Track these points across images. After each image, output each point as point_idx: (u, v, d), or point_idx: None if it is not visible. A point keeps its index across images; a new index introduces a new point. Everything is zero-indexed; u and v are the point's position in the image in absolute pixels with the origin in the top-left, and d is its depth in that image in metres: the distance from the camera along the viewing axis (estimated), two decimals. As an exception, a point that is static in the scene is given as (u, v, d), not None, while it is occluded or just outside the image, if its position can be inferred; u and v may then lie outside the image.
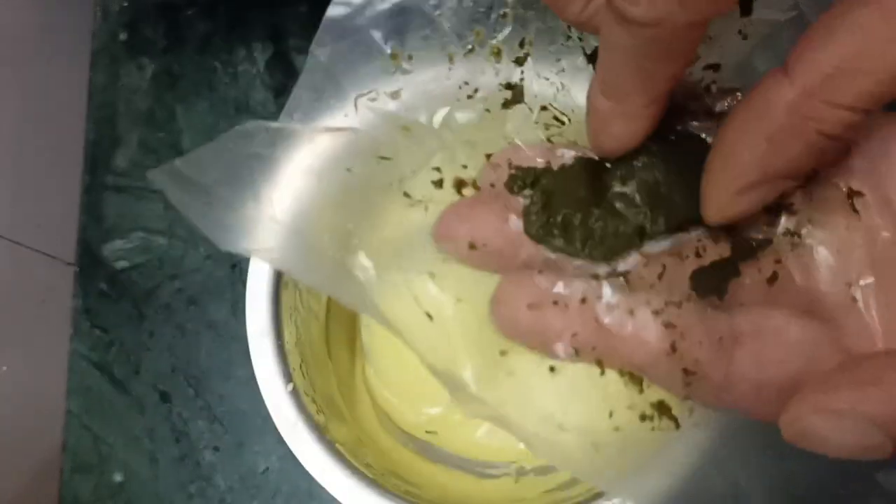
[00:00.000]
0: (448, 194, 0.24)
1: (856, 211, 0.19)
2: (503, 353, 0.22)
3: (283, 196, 0.26)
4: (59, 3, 0.52)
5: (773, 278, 0.20)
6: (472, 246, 0.21)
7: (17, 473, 0.50)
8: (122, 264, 0.47)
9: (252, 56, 0.48)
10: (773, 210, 0.20)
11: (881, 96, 0.16)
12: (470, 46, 0.24)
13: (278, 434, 0.34)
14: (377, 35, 0.25)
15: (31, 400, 0.51)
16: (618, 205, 0.21)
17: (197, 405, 0.45)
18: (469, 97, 0.24)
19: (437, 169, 0.24)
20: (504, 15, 0.23)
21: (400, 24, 0.24)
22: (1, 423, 0.49)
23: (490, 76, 0.24)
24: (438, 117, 0.25)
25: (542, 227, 0.21)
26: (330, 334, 0.41)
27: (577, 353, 0.20)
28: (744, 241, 0.20)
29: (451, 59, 0.24)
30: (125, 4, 0.50)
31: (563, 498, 0.35)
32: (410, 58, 0.24)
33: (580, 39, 0.22)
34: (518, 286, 0.20)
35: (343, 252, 0.26)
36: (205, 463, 0.45)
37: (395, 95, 0.25)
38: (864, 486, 0.20)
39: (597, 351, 0.20)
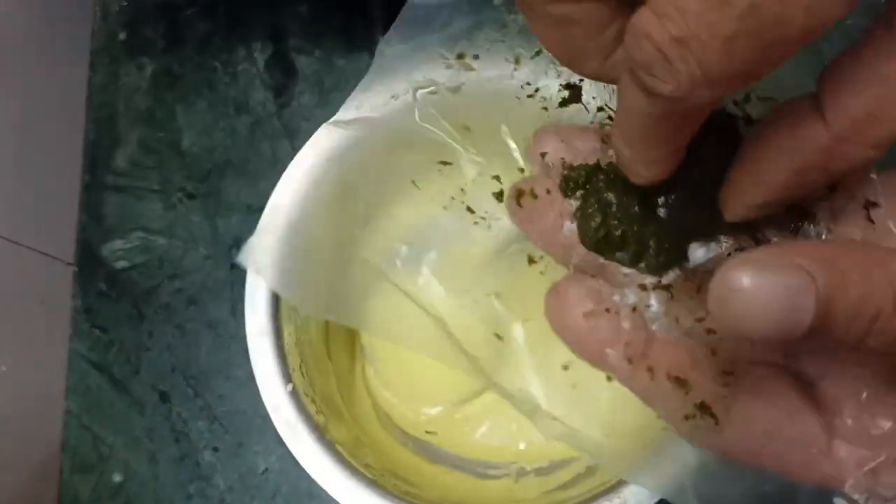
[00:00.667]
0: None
1: (871, 220, 0.20)
2: (566, 367, 0.23)
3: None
4: (58, 3, 0.52)
5: None
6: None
7: (17, 473, 0.50)
8: (121, 264, 0.47)
9: (252, 56, 0.48)
10: (798, 218, 0.21)
11: None
12: (537, 49, 0.25)
13: (278, 434, 0.34)
14: (447, 34, 0.25)
15: (30, 400, 0.51)
16: (663, 212, 0.22)
17: (196, 405, 0.45)
18: (529, 96, 0.25)
19: (497, 178, 0.25)
20: None
21: (472, 25, 0.24)
22: (0, 423, 0.49)
23: (552, 77, 0.25)
24: (498, 118, 0.25)
25: (598, 241, 0.22)
26: (329, 334, 0.41)
27: (629, 361, 0.21)
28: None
29: (517, 61, 0.24)
30: (125, 4, 0.50)
31: (563, 498, 0.35)
32: (476, 57, 0.24)
33: None
34: (573, 294, 0.21)
35: (412, 283, 0.27)
36: (204, 463, 0.45)
37: (455, 90, 0.26)
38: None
39: (647, 359, 0.21)
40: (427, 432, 0.41)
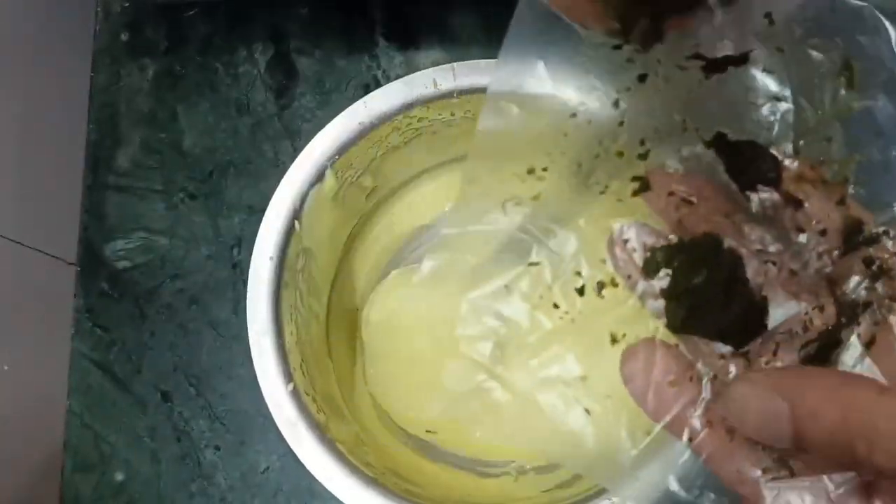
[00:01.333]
0: (591, 300, 0.26)
1: None
2: (647, 433, 0.23)
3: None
4: (60, 4, 0.53)
5: (871, 342, 0.21)
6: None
7: (19, 472, 0.50)
8: (123, 264, 0.47)
9: (253, 57, 0.49)
10: (875, 272, 0.22)
11: None
12: (596, 153, 0.25)
13: (279, 433, 0.35)
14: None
15: (32, 399, 0.51)
16: (748, 288, 0.23)
17: (198, 404, 0.45)
18: (602, 193, 0.26)
19: (579, 273, 0.26)
20: (621, 123, 0.24)
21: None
22: (2, 422, 0.49)
23: (618, 177, 0.25)
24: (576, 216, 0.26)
25: (684, 322, 0.23)
26: (330, 334, 0.41)
27: (710, 425, 0.22)
28: (846, 304, 0.22)
29: (580, 166, 0.25)
30: (126, 5, 0.50)
31: (563, 497, 0.36)
32: (545, 169, 0.26)
33: (696, 130, 0.24)
34: (660, 363, 0.23)
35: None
36: (206, 462, 0.45)
37: (535, 198, 0.27)
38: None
39: (726, 422, 0.21)
40: (427, 431, 0.41)
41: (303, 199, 0.37)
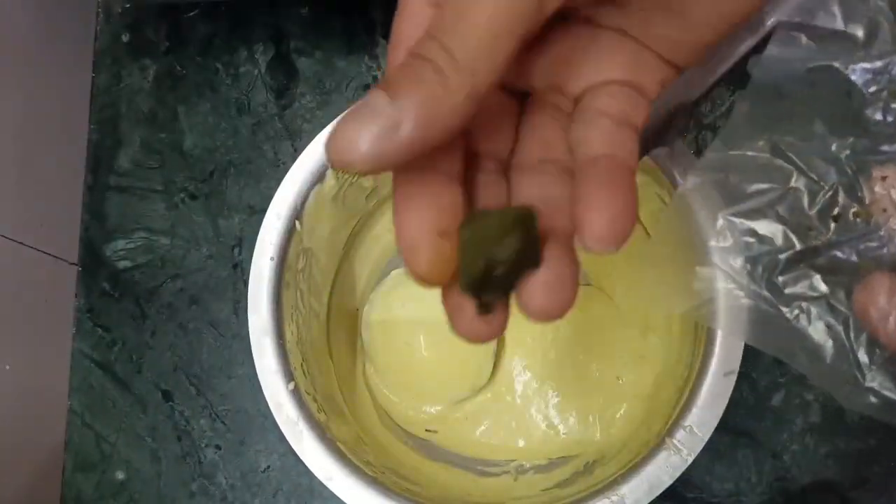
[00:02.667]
0: (843, 226, 0.27)
1: None
2: (884, 353, 0.26)
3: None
4: (61, 5, 0.53)
5: None
6: None
7: (19, 472, 0.50)
8: (124, 264, 0.48)
9: (253, 57, 0.49)
10: None
11: None
12: None
13: (280, 432, 0.35)
14: None
15: (33, 398, 0.51)
16: None
17: (199, 404, 0.46)
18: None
19: (836, 202, 0.27)
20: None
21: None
22: (3, 422, 0.49)
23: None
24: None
25: None
26: (331, 333, 0.41)
27: None
28: None
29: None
30: (127, 6, 0.50)
31: (562, 496, 0.36)
32: None
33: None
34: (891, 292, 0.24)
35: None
36: (206, 461, 0.45)
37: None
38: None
39: None
40: (427, 430, 0.42)
41: (303, 200, 0.37)
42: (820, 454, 0.42)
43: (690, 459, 0.33)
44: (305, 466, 0.34)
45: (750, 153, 0.28)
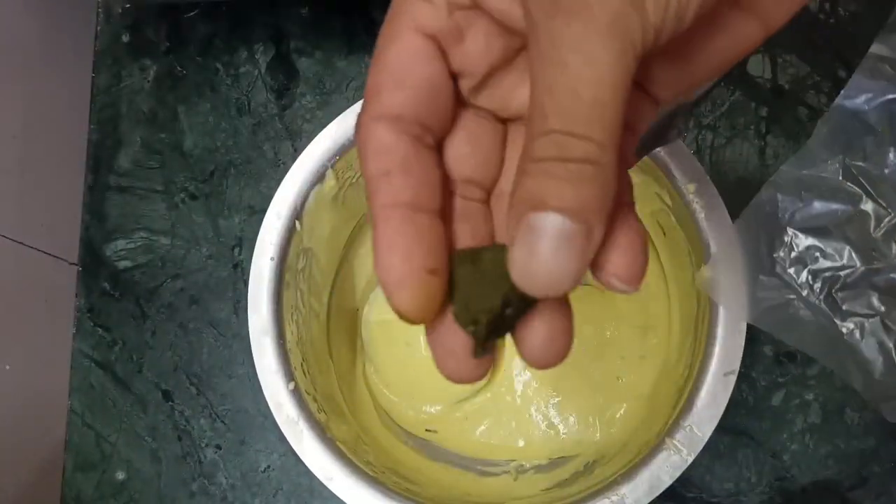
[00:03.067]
0: None
1: None
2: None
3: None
4: (61, 5, 0.53)
5: None
6: None
7: (20, 471, 0.50)
8: (124, 264, 0.48)
9: (254, 58, 0.49)
10: None
11: None
12: None
13: (280, 432, 0.35)
14: None
15: (33, 398, 0.51)
16: None
17: (199, 403, 0.46)
18: None
19: None
20: None
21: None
22: (4, 422, 0.49)
23: None
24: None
25: None
26: (331, 333, 0.41)
27: None
28: None
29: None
30: (127, 6, 0.50)
31: (562, 495, 0.36)
32: None
33: None
34: None
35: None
36: (207, 461, 0.45)
37: None
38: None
39: None
40: (427, 430, 0.42)
41: (304, 200, 0.37)
42: (820, 454, 0.42)
43: (690, 459, 0.33)
44: (305, 466, 0.34)
45: (823, 174, 0.29)
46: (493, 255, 0.18)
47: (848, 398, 0.42)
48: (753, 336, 0.42)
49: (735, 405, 0.41)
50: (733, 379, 0.33)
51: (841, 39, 0.45)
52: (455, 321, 0.18)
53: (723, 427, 0.33)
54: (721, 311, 0.33)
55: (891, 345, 0.28)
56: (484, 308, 0.17)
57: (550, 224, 0.16)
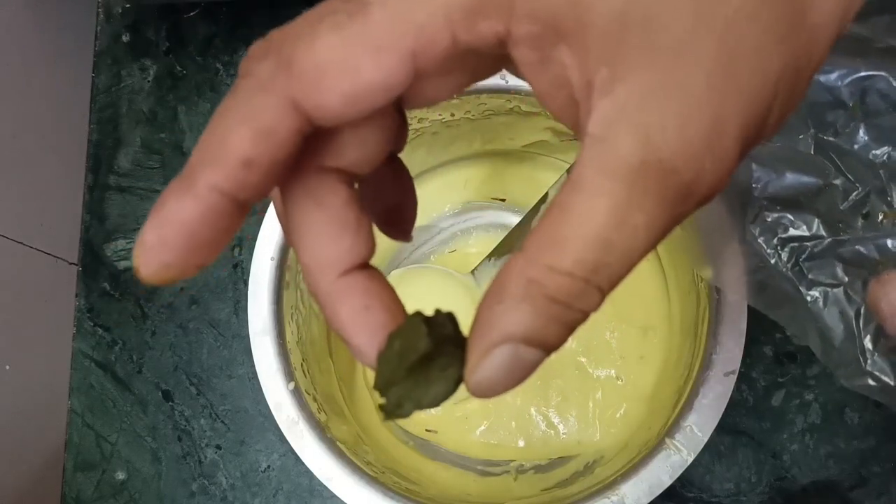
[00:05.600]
0: (869, 225, 0.31)
1: None
2: (891, 348, 0.29)
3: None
4: (61, 6, 0.53)
5: None
6: None
7: (20, 471, 0.50)
8: (124, 264, 0.48)
9: (254, 57, 0.49)
10: None
11: None
12: None
13: (280, 432, 0.35)
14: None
15: (34, 398, 0.51)
16: None
17: (199, 403, 0.46)
18: None
19: (867, 201, 0.30)
20: None
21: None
22: (4, 422, 0.49)
23: None
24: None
25: None
26: (331, 333, 0.41)
27: None
28: None
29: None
30: (127, 6, 0.50)
31: (562, 495, 0.36)
32: None
33: None
34: None
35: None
36: (207, 461, 0.45)
37: None
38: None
39: None
40: (427, 430, 0.42)
41: (303, 200, 0.37)
42: (820, 454, 0.42)
43: (690, 459, 0.33)
44: (305, 466, 0.34)
45: (797, 147, 0.30)
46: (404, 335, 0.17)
47: (848, 398, 0.42)
48: (754, 336, 0.42)
49: (735, 405, 0.41)
50: (733, 379, 0.33)
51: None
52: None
53: (723, 427, 0.33)
54: (721, 311, 0.33)
55: (851, 314, 0.29)
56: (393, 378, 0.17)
57: (511, 352, 0.16)
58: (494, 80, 0.36)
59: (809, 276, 0.30)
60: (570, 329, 0.16)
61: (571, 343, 0.42)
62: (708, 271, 0.34)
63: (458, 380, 0.18)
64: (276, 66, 0.16)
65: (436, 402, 0.18)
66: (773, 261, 0.30)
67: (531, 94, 0.31)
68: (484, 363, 0.16)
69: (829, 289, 0.29)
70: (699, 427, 0.33)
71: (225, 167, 0.16)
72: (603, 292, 0.16)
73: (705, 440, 0.33)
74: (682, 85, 0.14)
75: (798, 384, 0.42)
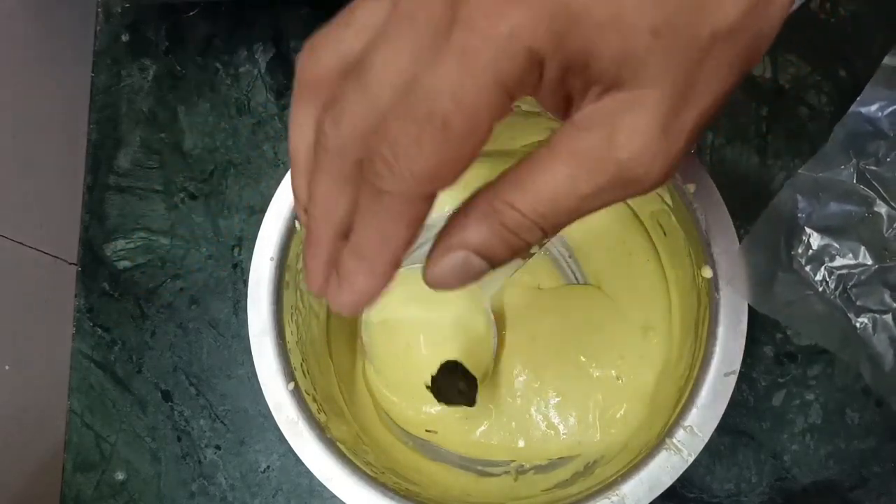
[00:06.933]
0: None
1: None
2: None
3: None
4: (61, 5, 0.53)
5: None
6: None
7: (20, 472, 0.50)
8: (124, 264, 0.48)
9: (253, 57, 0.49)
10: None
11: None
12: None
13: (279, 432, 0.35)
14: None
15: (33, 399, 0.51)
16: None
17: (198, 404, 0.46)
18: None
19: None
20: None
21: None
22: (3, 422, 0.49)
23: None
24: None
25: None
26: (331, 333, 0.41)
27: None
28: None
29: None
30: (127, 6, 0.50)
31: (562, 496, 0.36)
32: None
33: None
34: None
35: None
36: (206, 461, 0.45)
37: None
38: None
39: None
40: (427, 431, 0.42)
41: (303, 200, 0.37)
42: (820, 454, 0.42)
43: (690, 459, 0.32)
44: (305, 466, 0.34)
45: (838, 177, 0.31)
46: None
47: (848, 398, 0.42)
48: (754, 336, 0.42)
49: (735, 405, 0.41)
50: (734, 379, 0.33)
51: (841, 39, 0.45)
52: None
53: (723, 427, 0.33)
54: (721, 312, 0.33)
55: None
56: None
57: (464, 258, 0.20)
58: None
59: (858, 303, 0.30)
60: (513, 252, 0.20)
61: (571, 343, 0.42)
62: (708, 271, 0.34)
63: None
64: None
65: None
66: (821, 289, 0.31)
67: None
68: (442, 260, 0.21)
69: (877, 315, 0.30)
70: (699, 427, 0.33)
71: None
72: (545, 233, 0.20)
73: (705, 440, 0.33)
74: (649, 108, 0.18)
75: (798, 384, 0.42)
